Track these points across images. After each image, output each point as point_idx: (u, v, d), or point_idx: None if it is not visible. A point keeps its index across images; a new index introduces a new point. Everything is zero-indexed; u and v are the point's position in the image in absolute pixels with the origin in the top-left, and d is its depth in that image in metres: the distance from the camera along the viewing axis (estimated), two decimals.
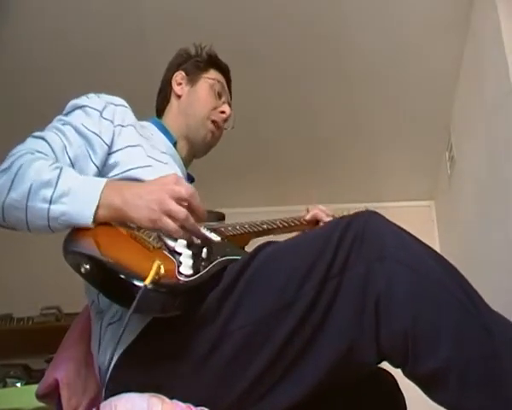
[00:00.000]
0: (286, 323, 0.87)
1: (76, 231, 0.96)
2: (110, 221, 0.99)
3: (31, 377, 3.34)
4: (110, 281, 0.86)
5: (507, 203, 2.12)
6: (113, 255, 0.89)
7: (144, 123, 1.37)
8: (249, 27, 2.58)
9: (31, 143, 1.08)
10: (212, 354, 0.90)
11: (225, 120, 1.46)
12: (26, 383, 3.24)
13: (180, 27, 2.62)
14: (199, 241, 1.01)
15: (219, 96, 1.46)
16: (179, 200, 0.96)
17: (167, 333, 0.93)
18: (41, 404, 1.21)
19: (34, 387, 1.16)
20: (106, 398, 0.93)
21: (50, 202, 0.95)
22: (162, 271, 0.85)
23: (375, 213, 0.95)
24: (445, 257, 0.96)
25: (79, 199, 0.96)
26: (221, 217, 1.32)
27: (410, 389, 1.02)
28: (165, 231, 0.96)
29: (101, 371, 1.04)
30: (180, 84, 1.47)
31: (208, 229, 1.10)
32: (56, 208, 0.96)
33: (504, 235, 2.15)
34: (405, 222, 3.96)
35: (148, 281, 0.81)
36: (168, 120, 1.43)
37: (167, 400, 0.88)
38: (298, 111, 2.88)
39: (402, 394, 1.19)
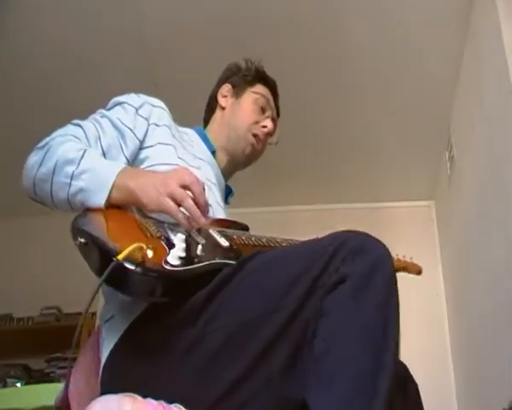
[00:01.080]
0: (266, 330, 0.87)
1: (87, 210, 1.02)
2: (123, 203, 1.03)
3: (31, 377, 3.34)
4: (98, 256, 0.90)
5: (507, 203, 2.12)
6: (109, 235, 0.94)
7: (187, 130, 1.40)
8: (249, 28, 2.58)
9: (68, 128, 1.15)
10: (190, 353, 0.91)
11: (267, 135, 1.45)
12: (26, 383, 3.23)
13: (180, 28, 2.63)
14: (202, 241, 1.01)
15: (263, 110, 1.45)
16: (182, 185, 0.99)
17: (153, 328, 0.95)
18: (41, 404, 1.21)
19: (34, 387, 1.16)
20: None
21: (71, 178, 1.02)
22: (150, 255, 0.88)
23: (375, 239, 0.92)
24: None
25: (97, 178, 1.02)
26: (245, 228, 1.29)
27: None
28: (167, 213, 0.99)
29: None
30: (225, 96, 1.48)
31: (220, 233, 1.11)
32: (76, 184, 1.02)
33: (504, 235, 2.15)
34: (405, 222, 3.98)
35: (120, 256, 0.84)
36: (211, 130, 1.45)
37: (140, 398, 0.88)
38: (298, 111, 2.88)
39: (414, 382, 1.17)
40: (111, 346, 1.00)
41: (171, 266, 0.90)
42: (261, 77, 1.50)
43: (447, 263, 3.30)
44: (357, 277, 0.84)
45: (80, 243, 0.92)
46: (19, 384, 3.24)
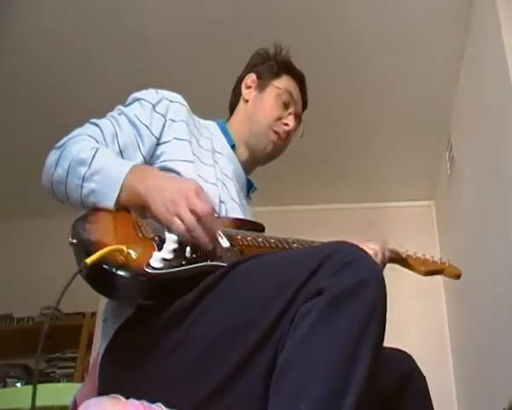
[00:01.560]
0: (250, 337, 0.84)
1: (85, 215, 1.02)
2: (130, 204, 1.03)
3: (31, 377, 3.34)
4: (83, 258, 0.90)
5: (507, 203, 2.12)
6: (100, 237, 0.93)
7: (209, 123, 1.39)
8: (252, 27, 2.58)
9: (86, 127, 1.16)
10: (174, 355, 0.90)
11: (288, 133, 1.41)
12: (26, 383, 3.24)
13: (181, 27, 2.63)
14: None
15: (286, 106, 1.41)
16: (192, 211, 0.96)
17: (139, 331, 0.95)
18: (41, 404, 1.20)
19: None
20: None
21: (83, 180, 1.03)
22: (134, 257, 0.88)
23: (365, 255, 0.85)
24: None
25: (107, 179, 1.02)
26: (259, 227, 1.25)
27: None
28: (174, 231, 0.97)
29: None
30: (249, 87, 1.45)
31: (223, 233, 1.07)
32: (88, 186, 1.03)
33: (504, 235, 2.15)
34: (405, 222, 3.97)
35: (89, 260, 0.83)
36: (233, 123, 1.44)
37: (122, 399, 0.88)
38: None
39: (420, 375, 1.14)
40: (103, 349, 1.00)
41: (153, 268, 0.88)
42: (288, 68, 1.46)
43: None
44: (336, 292, 0.78)
45: (72, 243, 0.93)
46: (19, 384, 3.24)
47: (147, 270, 0.88)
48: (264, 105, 1.41)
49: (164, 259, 0.90)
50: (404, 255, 1.44)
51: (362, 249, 0.86)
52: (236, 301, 0.89)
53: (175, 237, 0.94)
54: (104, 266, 0.85)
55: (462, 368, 3.00)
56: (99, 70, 2.83)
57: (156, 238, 0.96)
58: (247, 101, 1.44)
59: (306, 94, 1.50)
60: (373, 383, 0.77)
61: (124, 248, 0.87)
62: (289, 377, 0.76)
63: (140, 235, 0.96)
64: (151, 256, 0.89)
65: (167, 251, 0.91)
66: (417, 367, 1.15)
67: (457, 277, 1.50)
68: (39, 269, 3.62)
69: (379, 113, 3.05)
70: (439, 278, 3.37)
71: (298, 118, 1.45)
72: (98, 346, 1.14)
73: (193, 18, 2.60)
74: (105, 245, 0.87)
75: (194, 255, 0.95)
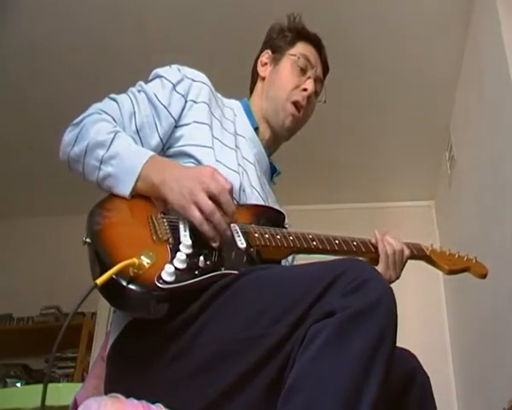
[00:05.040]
0: (253, 353, 0.83)
1: (103, 202, 1.01)
2: (147, 194, 1.02)
3: (31, 377, 3.35)
4: (94, 263, 0.90)
5: (507, 203, 2.12)
6: (112, 242, 0.92)
7: (233, 103, 1.36)
8: (252, 25, 2.58)
9: (104, 103, 1.15)
10: (176, 364, 0.89)
11: (309, 98, 1.34)
12: (26, 383, 3.24)
13: (181, 27, 2.63)
14: (216, 243, 0.98)
15: (303, 71, 1.34)
16: (209, 193, 0.96)
17: (146, 332, 0.94)
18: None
19: (34, 387, 1.15)
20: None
21: (101, 162, 1.03)
22: (146, 265, 0.86)
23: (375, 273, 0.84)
24: None
25: (125, 165, 1.02)
26: (280, 216, 1.22)
27: None
28: (192, 221, 0.97)
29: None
30: (265, 64, 1.40)
31: (242, 230, 1.05)
32: (105, 169, 1.03)
33: (504, 234, 2.15)
34: (405, 222, 3.96)
35: (99, 280, 0.82)
36: (253, 103, 1.38)
37: (122, 398, 0.87)
38: None
39: (423, 375, 1.13)
40: (112, 340, 0.99)
41: (165, 282, 0.86)
42: (301, 34, 1.40)
43: None
44: (347, 314, 0.77)
45: (86, 242, 0.92)
46: (19, 384, 3.24)
47: (158, 285, 0.86)
48: (280, 77, 1.35)
49: (176, 269, 0.88)
50: (427, 251, 1.36)
51: (374, 269, 0.85)
52: (244, 313, 0.87)
53: (189, 242, 0.93)
54: (115, 279, 0.84)
55: (463, 368, 3.00)
56: (99, 68, 2.83)
57: (171, 240, 0.94)
58: (263, 78, 1.40)
59: (325, 56, 1.43)
60: (382, 403, 0.77)
61: (135, 261, 0.86)
62: (299, 395, 0.75)
63: (154, 236, 0.94)
64: (163, 268, 0.87)
65: (180, 260, 0.89)
66: (421, 367, 1.14)
67: (483, 276, 1.41)
68: (39, 269, 3.63)
69: (379, 113, 3.05)
70: (439, 277, 3.38)
71: (318, 81, 1.38)
72: (100, 344, 1.13)
73: (194, 15, 2.60)
74: (117, 255, 0.86)
75: (208, 262, 0.94)
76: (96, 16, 2.61)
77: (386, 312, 0.79)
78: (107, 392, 0.94)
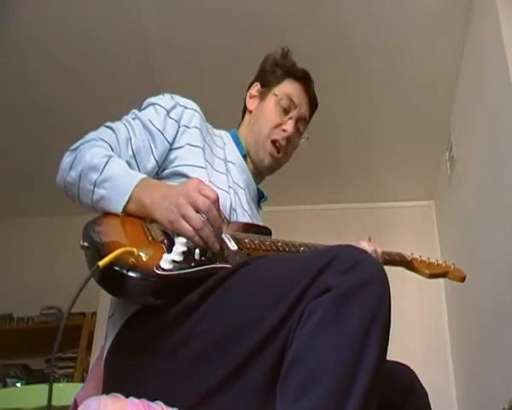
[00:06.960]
0: (252, 338, 0.85)
1: (96, 218, 1.05)
2: (138, 215, 1.04)
3: (31, 377, 3.35)
4: (95, 260, 0.91)
5: (507, 203, 2.12)
6: (110, 238, 0.96)
7: (221, 132, 1.40)
8: (252, 27, 2.59)
9: (100, 131, 1.18)
10: (176, 353, 0.91)
11: (288, 139, 1.38)
12: (26, 383, 3.24)
13: (181, 26, 2.63)
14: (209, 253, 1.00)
15: (286, 112, 1.39)
16: (196, 209, 0.97)
17: (144, 326, 0.96)
18: (41, 404, 1.20)
19: (34, 387, 1.16)
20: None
21: (95, 185, 1.06)
22: (145, 258, 0.90)
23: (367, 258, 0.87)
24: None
25: (116, 188, 1.05)
26: (267, 232, 1.25)
27: None
28: (181, 234, 0.98)
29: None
30: (254, 96, 1.45)
31: (232, 237, 1.09)
32: (98, 192, 1.06)
33: (504, 235, 2.15)
34: (405, 222, 3.97)
35: (101, 262, 0.85)
36: (241, 134, 1.43)
37: (122, 398, 0.88)
38: None
39: (420, 390, 1.13)
40: (109, 343, 1.01)
41: (163, 269, 0.90)
42: (289, 71, 1.43)
43: None
44: (343, 289, 0.80)
45: (83, 246, 0.94)
46: (19, 384, 3.25)
47: (157, 271, 0.89)
48: (264, 113, 1.40)
49: (173, 260, 0.92)
50: (409, 258, 1.46)
51: (366, 252, 0.89)
52: (243, 298, 0.90)
53: (183, 240, 0.96)
54: (115, 267, 0.87)
55: (462, 368, 3.00)
56: (99, 71, 2.83)
57: (165, 241, 0.97)
58: (250, 111, 1.44)
59: (313, 92, 1.46)
60: (381, 374, 0.79)
61: (134, 250, 0.89)
62: (299, 368, 0.77)
63: (149, 238, 0.98)
64: (161, 258, 0.91)
65: (176, 253, 0.93)
66: (418, 381, 1.15)
67: (462, 280, 1.51)
68: (39, 269, 3.63)
69: (379, 113, 3.06)
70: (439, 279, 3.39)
71: (302, 121, 1.43)
72: (100, 344, 1.14)
73: (194, 17, 2.60)
74: (116, 247, 0.89)
75: (202, 258, 0.96)
76: (96, 20, 2.61)
77: (380, 286, 0.82)
78: (105, 394, 0.94)
